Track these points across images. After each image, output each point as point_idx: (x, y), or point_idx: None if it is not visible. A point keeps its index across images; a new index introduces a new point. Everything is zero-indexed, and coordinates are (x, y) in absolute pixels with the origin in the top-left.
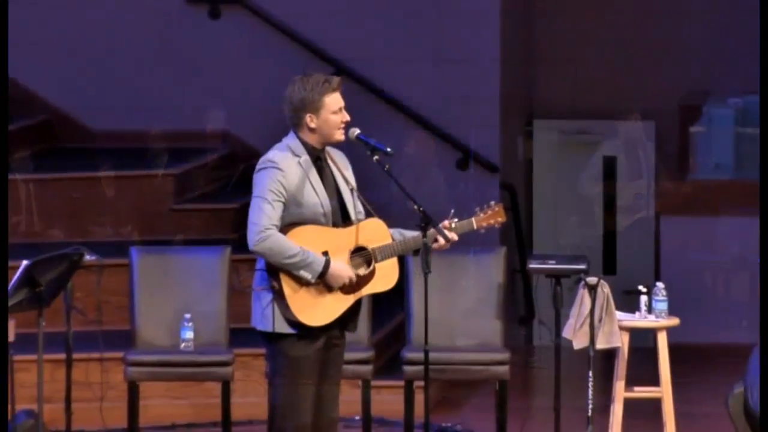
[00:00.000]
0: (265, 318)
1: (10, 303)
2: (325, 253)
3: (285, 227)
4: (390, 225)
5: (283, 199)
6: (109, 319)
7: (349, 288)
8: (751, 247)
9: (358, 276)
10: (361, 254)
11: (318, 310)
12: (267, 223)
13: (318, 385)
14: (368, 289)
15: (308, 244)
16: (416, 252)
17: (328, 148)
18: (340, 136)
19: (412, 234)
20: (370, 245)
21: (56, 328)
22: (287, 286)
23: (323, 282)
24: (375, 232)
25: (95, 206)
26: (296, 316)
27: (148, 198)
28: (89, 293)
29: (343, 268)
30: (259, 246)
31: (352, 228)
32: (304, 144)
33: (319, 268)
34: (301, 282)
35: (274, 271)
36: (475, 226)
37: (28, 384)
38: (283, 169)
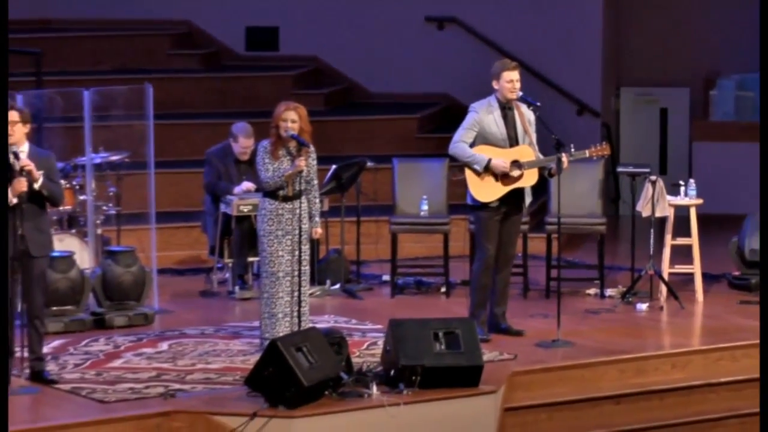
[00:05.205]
0: (467, 195)
1: (323, 191)
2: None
3: (480, 145)
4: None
5: (475, 128)
6: (381, 198)
7: (507, 181)
8: (743, 159)
9: (512, 176)
10: (516, 164)
11: (486, 191)
12: (459, 139)
13: (503, 235)
14: (519, 184)
15: (486, 154)
16: (549, 173)
17: (520, 105)
18: (511, 95)
19: (547, 157)
20: (522, 159)
21: (351, 203)
22: (469, 176)
23: (491, 173)
24: (525, 153)
25: (374, 135)
26: (474, 195)
27: (402, 131)
28: (370, 183)
29: (500, 163)
30: (451, 150)
31: (514, 148)
32: (498, 99)
33: (484, 163)
34: (478, 173)
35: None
36: (587, 155)
37: (335, 234)
38: (478, 111)
